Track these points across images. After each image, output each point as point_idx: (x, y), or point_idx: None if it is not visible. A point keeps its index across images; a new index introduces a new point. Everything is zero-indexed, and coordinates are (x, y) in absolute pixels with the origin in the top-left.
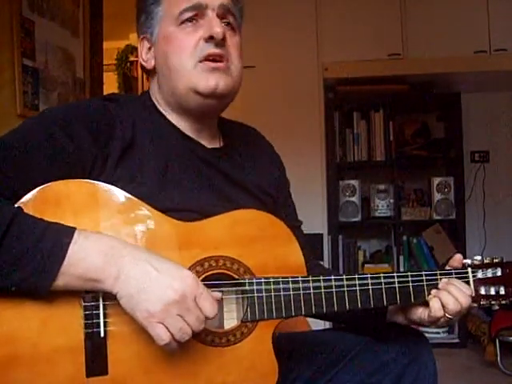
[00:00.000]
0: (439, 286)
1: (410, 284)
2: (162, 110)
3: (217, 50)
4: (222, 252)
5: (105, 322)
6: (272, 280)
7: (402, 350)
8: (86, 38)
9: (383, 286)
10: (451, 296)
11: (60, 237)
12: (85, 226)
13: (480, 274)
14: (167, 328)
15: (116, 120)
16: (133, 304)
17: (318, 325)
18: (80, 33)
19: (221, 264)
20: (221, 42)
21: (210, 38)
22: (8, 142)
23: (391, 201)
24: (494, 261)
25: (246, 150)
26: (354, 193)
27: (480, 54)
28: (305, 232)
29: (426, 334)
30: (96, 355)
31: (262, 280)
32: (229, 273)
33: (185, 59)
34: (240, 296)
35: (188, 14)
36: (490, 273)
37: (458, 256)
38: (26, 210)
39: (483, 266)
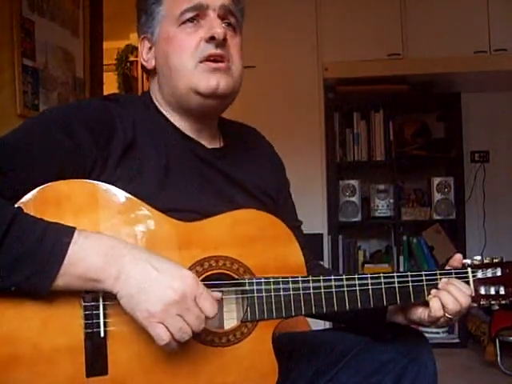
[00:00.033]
0: (439, 285)
1: (410, 284)
2: (162, 110)
3: (217, 51)
4: (222, 252)
5: (105, 322)
6: (272, 280)
7: (402, 350)
8: (86, 38)
9: (383, 286)
10: (451, 296)
11: (60, 237)
12: (85, 226)
13: (480, 274)
14: (167, 328)
15: (116, 120)
16: (133, 304)
17: (318, 325)
18: (80, 33)
19: (221, 264)
20: (222, 43)
21: (211, 39)
22: (8, 141)
23: (391, 201)
24: (494, 261)
25: (247, 151)
26: (353, 193)
27: (480, 54)
28: (305, 232)
29: (426, 334)
30: (96, 355)
31: (262, 280)
32: (229, 273)
33: (185, 59)
34: (240, 296)
35: (189, 15)
36: (489, 273)
37: (458, 256)
38: (26, 210)
39: (483, 265)
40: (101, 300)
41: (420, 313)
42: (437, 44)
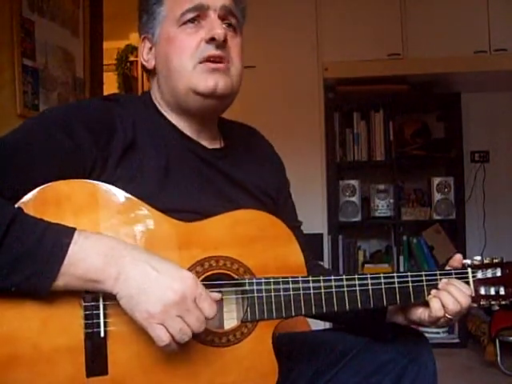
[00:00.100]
0: (439, 286)
1: (410, 284)
2: (162, 110)
3: (217, 52)
4: (222, 252)
5: (105, 322)
6: (272, 280)
7: (402, 350)
8: (86, 38)
9: (383, 286)
10: (451, 296)
11: (60, 237)
12: (85, 226)
13: (480, 275)
14: (167, 329)
15: (116, 120)
16: (132, 305)
17: (317, 325)
18: (80, 33)
19: (221, 264)
20: (222, 44)
21: (211, 40)
22: (8, 142)
23: (391, 201)
24: (494, 261)
25: (247, 151)
26: (353, 193)
27: (480, 54)
28: (305, 232)
29: (426, 334)
30: (96, 355)
31: (262, 280)
32: (229, 273)
33: (185, 60)
34: (240, 296)
35: (190, 15)
36: (489, 273)
37: (458, 256)
38: (26, 210)
39: (483, 266)
40: (101, 300)
41: (420, 313)
42: (437, 44)
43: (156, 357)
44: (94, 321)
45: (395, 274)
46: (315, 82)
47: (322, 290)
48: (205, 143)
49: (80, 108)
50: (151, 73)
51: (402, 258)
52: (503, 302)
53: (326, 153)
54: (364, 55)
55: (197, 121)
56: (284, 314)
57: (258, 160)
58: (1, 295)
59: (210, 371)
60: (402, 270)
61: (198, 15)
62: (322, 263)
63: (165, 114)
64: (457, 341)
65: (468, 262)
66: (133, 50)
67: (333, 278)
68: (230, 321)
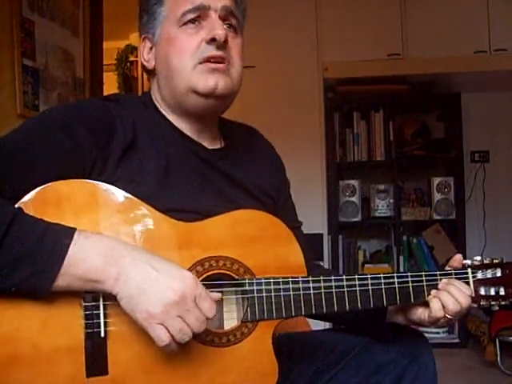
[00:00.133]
0: (439, 286)
1: (410, 284)
2: (162, 110)
3: (218, 53)
4: (222, 252)
5: (105, 322)
6: (272, 280)
7: (402, 350)
8: (86, 38)
9: (383, 287)
10: (451, 296)
11: (60, 237)
12: (85, 226)
13: (480, 275)
14: (167, 329)
15: (116, 120)
16: (133, 305)
17: (317, 325)
18: (80, 33)
19: (221, 264)
20: (222, 45)
21: (212, 40)
22: (8, 141)
23: (391, 201)
24: (494, 261)
25: (247, 151)
26: (354, 193)
27: (480, 54)
28: (305, 232)
29: (426, 334)
30: (96, 355)
31: (263, 280)
32: (229, 273)
33: (185, 60)
34: (240, 296)
35: (190, 16)
36: (489, 273)
37: (458, 256)
38: (26, 210)
39: (483, 266)
40: (101, 300)
41: (420, 313)
42: (437, 44)
43: (156, 357)
44: (94, 321)
45: (395, 275)
46: (315, 82)
47: (322, 290)
48: (205, 143)
49: (80, 108)
50: (151, 73)
51: (401, 258)
52: (503, 303)
53: (326, 153)
54: (364, 55)
55: (197, 121)
56: (284, 314)
57: (258, 160)
58: (1, 295)
59: (210, 371)
60: (402, 270)
61: (199, 16)
62: (321, 264)
63: (165, 114)
64: (457, 341)
65: (468, 262)
66: (133, 49)
67: (333, 278)
68: (230, 321)
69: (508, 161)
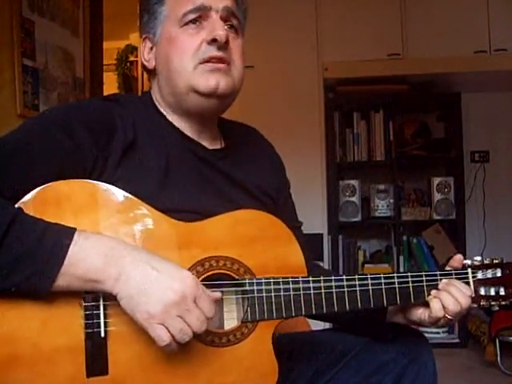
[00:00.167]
0: (439, 286)
1: (410, 284)
2: (162, 110)
3: (219, 53)
4: (222, 252)
5: (105, 322)
6: (272, 280)
7: (402, 350)
8: (86, 38)
9: (383, 287)
10: (451, 297)
11: (60, 238)
12: (85, 226)
13: (480, 275)
14: (167, 329)
15: (116, 120)
16: (133, 305)
17: (318, 325)
18: (80, 33)
19: (221, 264)
20: (223, 46)
21: (213, 41)
22: (8, 141)
23: (391, 201)
24: (494, 261)
25: (247, 151)
26: (353, 193)
27: (480, 54)
28: (305, 232)
29: (426, 334)
30: (96, 355)
31: (263, 280)
32: (229, 273)
33: (186, 61)
34: (240, 296)
35: (191, 16)
36: (489, 273)
37: (459, 256)
38: (26, 210)
39: (483, 266)
40: (101, 300)
41: (420, 313)
42: (437, 44)
43: (156, 357)
44: (95, 321)
45: (395, 275)
46: (315, 82)
47: (323, 291)
48: (205, 143)
49: (80, 108)
50: (152, 73)
51: (401, 257)
52: (503, 303)
53: (326, 153)
54: (364, 55)
55: (197, 121)
56: (284, 315)
57: (258, 160)
58: (1, 295)
59: (209, 371)
60: (402, 269)
61: (200, 16)
62: (321, 264)
63: (165, 114)
64: (457, 341)
65: (468, 262)
66: (133, 49)
67: (333, 278)
68: (231, 321)
69: (508, 161)
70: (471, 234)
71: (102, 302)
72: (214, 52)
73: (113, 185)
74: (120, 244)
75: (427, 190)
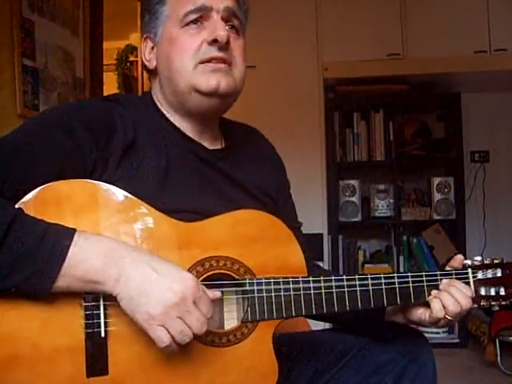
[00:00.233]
0: (440, 286)
1: (411, 284)
2: (163, 110)
3: (220, 54)
4: (223, 252)
5: (105, 323)
6: (272, 280)
7: (402, 350)
8: (86, 37)
9: (383, 287)
10: (452, 297)
11: (60, 238)
12: (85, 226)
13: (480, 275)
14: (168, 330)
15: (116, 120)
16: (133, 306)
17: (318, 325)
18: (80, 33)
19: (221, 264)
20: (224, 46)
21: (214, 42)
22: (8, 142)
23: (391, 201)
24: (495, 261)
25: (248, 151)
26: (353, 193)
27: (480, 54)
28: (305, 232)
29: (426, 334)
30: (96, 355)
31: (263, 280)
32: (229, 273)
33: (186, 61)
34: (240, 296)
35: (192, 16)
36: (490, 273)
37: (459, 257)
38: (26, 210)
39: (483, 266)
40: (101, 300)
41: (420, 313)
42: (437, 44)
43: (156, 357)
44: (95, 321)
45: (395, 275)
46: (315, 82)
47: (323, 291)
48: (206, 144)
49: (80, 108)
50: (153, 73)
51: (401, 257)
52: (503, 303)
53: (326, 153)
54: (364, 55)
55: (199, 121)
56: (284, 315)
57: (259, 160)
58: (1, 295)
59: (210, 371)
60: (402, 270)
61: (201, 16)
62: (321, 264)
63: (166, 114)
64: (457, 341)
65: (468, 262)
66: (133, 50)
67: (333, 278)
68: (231, 321)
69: (508, 161)
70: (471, 233)
71: (102, 302)
72: (214, 52)
73: (113, 185)
74: (120, 245)
75: (427, 190)
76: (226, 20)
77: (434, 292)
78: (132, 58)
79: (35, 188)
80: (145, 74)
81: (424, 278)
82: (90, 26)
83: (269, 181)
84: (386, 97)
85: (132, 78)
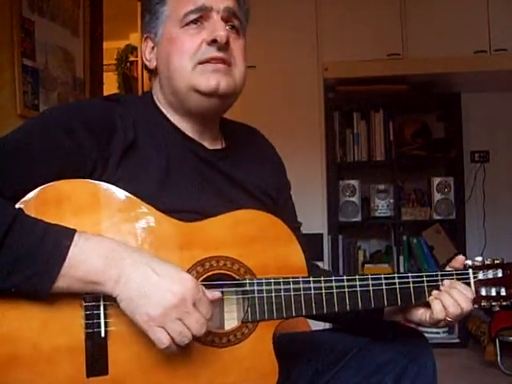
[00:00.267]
0: (441, 288)
1: (411, 285)
2: (163, 110)
3: (219, 54)
4: (223, 252)
5: (105, 323)
6: (273, 280)
7: (402, 350)
8: (86, 37)
9: (384, 287)
10: (452, 299)
11: (60, 239)
12: (86, 227)
13: (481, 275)
14: (167, 332)
15: (117, 120)
16: (133, 307)
17: (318, 325)
18: (80, 33)
19: (221, 264)
20: (224, 46)
21: (213, 42)
22: (8, 141)
23: (391, 201)
24: (495, 262)
25: (248, 151)
26: (354, 193)
27: (480, 54)
28: (305, 232)
29: (426, 334)
30: (96, 355)
31: (263, 280)
32: (229, 273)
33: (185, 61)
34: (241, 296)
35: (192, 16)
36: (490, 274)
37: (461, 257)
38: (27, 210)
39: (484, 267)
40: (101, 300)
41: (421, 314)
42: (437, 44)
43: (156, 357)
44: (95, 321)
45: (396, 275)
46: (315, 82)
47: (323, 291)
48: (206, 144)
49: (80, 108)
50: (153, 73)
51: (401, 258)
52: (504, 303)
53: (326, 153)
54: (364, 55)
55: (199, 121)
56: (285, 315)
57: (259, 160)
58: (1, 296)
59: (210, 371)
60: (402, 270)
61: (201, 16)
62: (320, 265)
63: (167, 114)
64: (457, 341)
65: (469, 262)
66: (133, 50)
67: (333, 278)
68: (231, 321)
69: (508, 161)
70: (471, 233)
71: (102, 302)
72: (214, 53)
73: (113, 185)
74: (120, 246)
75: (427, 190)
76: (226, 20)
77: (434, 293)
78: (132, 58)
79: (35, 188)
80: (145, 74)
81: (425, 279)
82: (90, 26)
83: (269, 181)
84: (386, 97)
85: (132, 78)
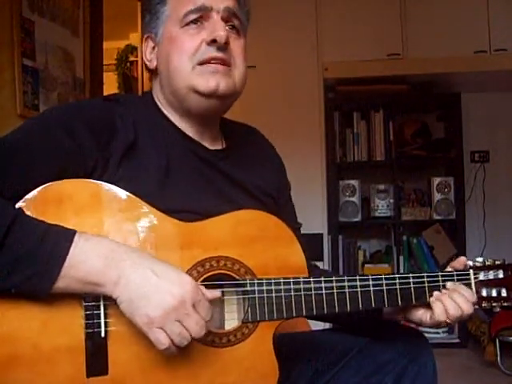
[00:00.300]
0: (443, 290)
1: (412, 286)
2: (164, 110)
3: (219, 54)
4: (223, 252)
5: (105, 323)
6: (273, 281)
7: (402, 350)
8: (86, 37)
9: (384, 288)
10: (453, 302)
11: (60, 239)
12: (86, 226)
13: (482, 276)
14: (166, 333)
15: (117, 120)
16: (132, 309)
17: (318, 325)
18: (80, 33)
19: (222, 264)
20: (223, 46)
21: (213, 42)
22: (8, 141)
23: (391, 201)
24: (496, 263)
25: (248, 151)
26: (354, 193)
27: (480, 54)
28: (305, 232)
29: (426, 334)
30: (96, 355)
31: (264, 281)
32: (230, 273)
33: (185, 61)
34: (241, 297)
35: (192, 16)
36: (491, 275)
37: (462, 258)
38: (27, 209)
39: (485, 267)
40: (101, 300)
41: (421, 314)
42: (437, 44)
43: (156, 357)
44: (95, 321)
45: (397, 276)
46: (315, 82)
47: (324, 291)
48: (206, 144)
49: (80, 108)
50: (153, 72)
51: (401, 258)
52: (505, 304)
53: (326, 153)
54: (364, 55)
55: (199, 121)
56: (285, 315)
57: (259, 160)
58: (1, 296)
59: (210, 371)
60: (402, 270)
61: (201, 16)
62: (320, 265)
63: (167, 114)
64: (457, 341)
65: (470, 263)
66: (133, 50)
67: (334, 278)
68: (231, 321)
69: (508, 161)
70: (471, 233)
71: (102, 302)
72: (213, 53)
73: (114, 185)
74: (120, 247)
75: (427, 190)
76: (226, 20)
77: (435, 294)
78: (132, 58)
79: (35, 188)
80: (145, 74)
81: (425, 279)
82: (90, 26)
83: (269, 181)
84: (386, 97)
85: (132, 78)
